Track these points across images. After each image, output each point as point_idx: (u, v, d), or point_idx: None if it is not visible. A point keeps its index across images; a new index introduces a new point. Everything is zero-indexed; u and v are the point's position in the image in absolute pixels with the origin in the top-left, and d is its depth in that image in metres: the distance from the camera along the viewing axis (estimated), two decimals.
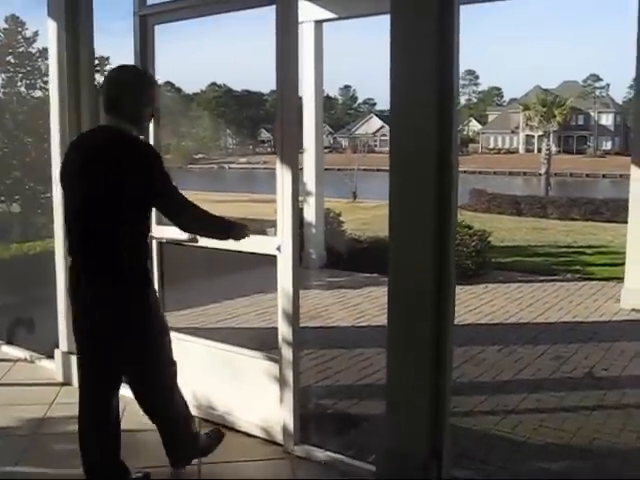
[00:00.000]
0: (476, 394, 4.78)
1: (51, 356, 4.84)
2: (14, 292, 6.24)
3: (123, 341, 2.97)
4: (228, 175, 46.10)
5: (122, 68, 3.09)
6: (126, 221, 2.85)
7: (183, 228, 3.17)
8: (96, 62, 12.61)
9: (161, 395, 3.25)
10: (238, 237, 3.22)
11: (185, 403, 3.37)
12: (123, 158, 2.83)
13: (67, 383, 4.64)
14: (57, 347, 4.74)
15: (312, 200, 9.15)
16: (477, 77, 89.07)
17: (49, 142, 4.64)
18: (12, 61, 11.66)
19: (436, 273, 2.92)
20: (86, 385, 3.10)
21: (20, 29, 11.39)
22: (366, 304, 7.55)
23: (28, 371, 4.98)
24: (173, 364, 3.24)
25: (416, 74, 2.84)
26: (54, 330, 4.76)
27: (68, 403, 4.35)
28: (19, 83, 11.37)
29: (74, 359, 4.61)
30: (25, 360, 5.17)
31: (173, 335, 3.30)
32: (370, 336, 6.27)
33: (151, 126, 3.90)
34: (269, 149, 54.40)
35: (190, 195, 3.10)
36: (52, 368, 4.81)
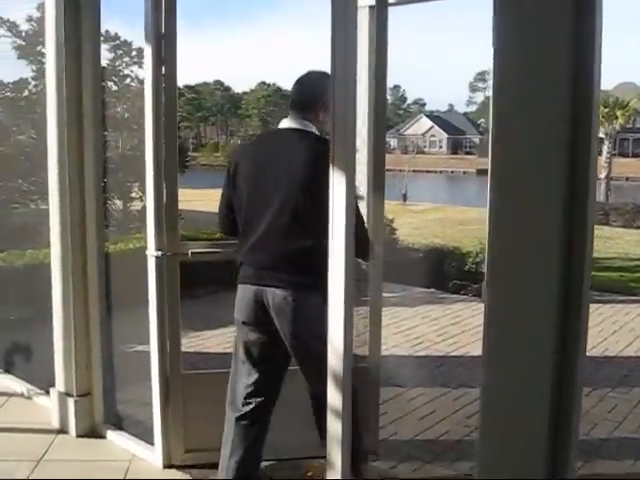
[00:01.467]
0: None
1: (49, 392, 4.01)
2: (22, 308, 5.42)
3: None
4: None
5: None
6: (308, 226, 2.84)
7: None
8: (134, 53, 11.90)
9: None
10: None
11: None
12: (318, 162, 2.76)
13: (63, 430, 3.79)
14: (53, 385, 3.91)
15: (363, 205, 8.20)
16: None
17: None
18: (44, 51, 10.94)
19: (561, 297, 1.99)
20: None
21: None
22: (424, 327, 6.62)
23: (22, 410, 4.14)
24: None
25: (537, 45, 1.90)
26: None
27: (60, 460, 3.53)
28: None
29: (71, 402, 3.78)
30: (22, 395, 4.34)
31: None
32: (430, 370, 5.35)
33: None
34: None
35: None
36: (50, 407, 3.98)
